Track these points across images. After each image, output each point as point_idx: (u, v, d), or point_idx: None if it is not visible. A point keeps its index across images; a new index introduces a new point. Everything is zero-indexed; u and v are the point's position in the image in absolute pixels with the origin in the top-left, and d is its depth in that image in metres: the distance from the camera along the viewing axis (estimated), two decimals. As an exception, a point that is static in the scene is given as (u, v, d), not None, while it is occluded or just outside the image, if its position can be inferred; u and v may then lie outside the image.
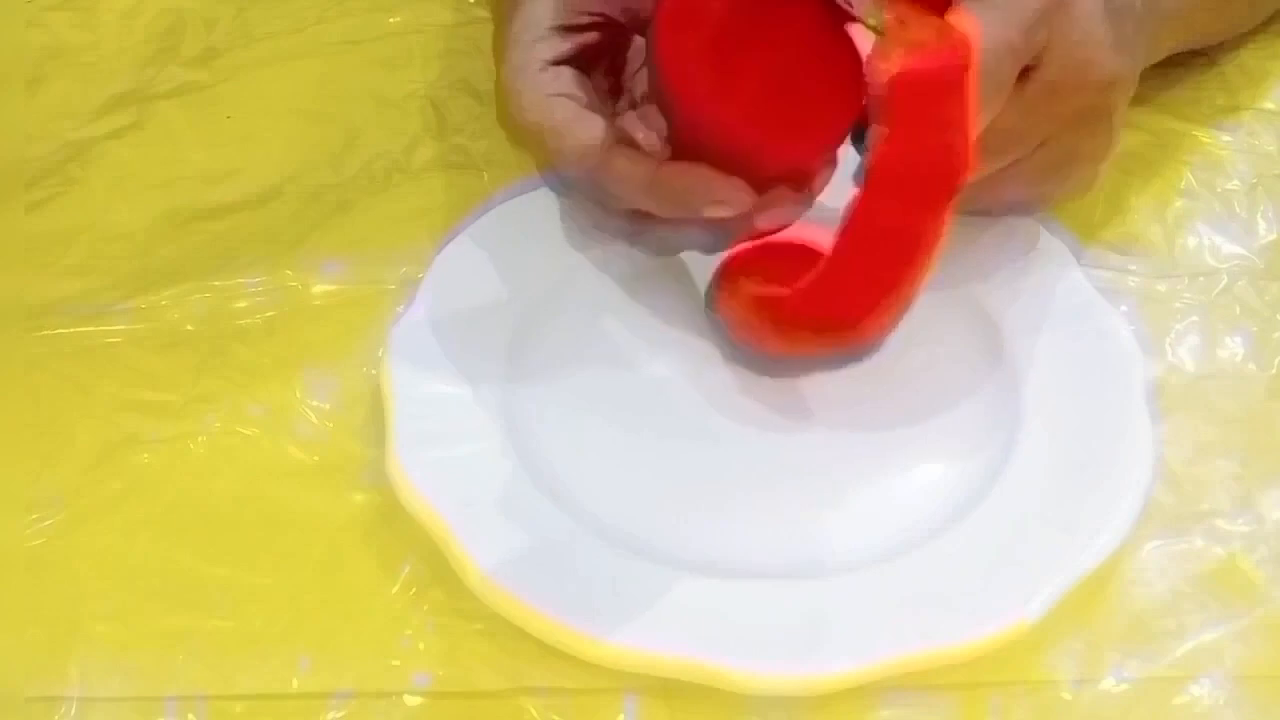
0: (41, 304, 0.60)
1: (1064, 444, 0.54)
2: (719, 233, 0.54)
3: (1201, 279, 0.61)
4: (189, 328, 0.59)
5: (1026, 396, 0.56)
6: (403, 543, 0.52)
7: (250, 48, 0.72)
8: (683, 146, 0.54)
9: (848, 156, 0.53)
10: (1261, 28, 0.70)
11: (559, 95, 0.55)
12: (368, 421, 0.56)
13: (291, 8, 0.73)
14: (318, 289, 0.61)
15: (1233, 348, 0.59)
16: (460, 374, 0.56)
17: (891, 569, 0.51)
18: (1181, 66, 0.68)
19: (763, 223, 0.53)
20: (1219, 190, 0.64)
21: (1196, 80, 0.68)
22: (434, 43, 0.71)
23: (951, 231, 0.52)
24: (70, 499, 0.54)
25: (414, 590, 0.52)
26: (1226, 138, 0.66)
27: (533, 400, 0.56)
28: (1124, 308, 0.59)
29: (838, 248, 0.53)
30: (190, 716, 0.49)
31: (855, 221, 0.52)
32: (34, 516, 0.54)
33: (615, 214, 0.56)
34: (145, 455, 0.55)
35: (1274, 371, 0.58)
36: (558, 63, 0.56)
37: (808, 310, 0.54)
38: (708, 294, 0.57)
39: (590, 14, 0.57)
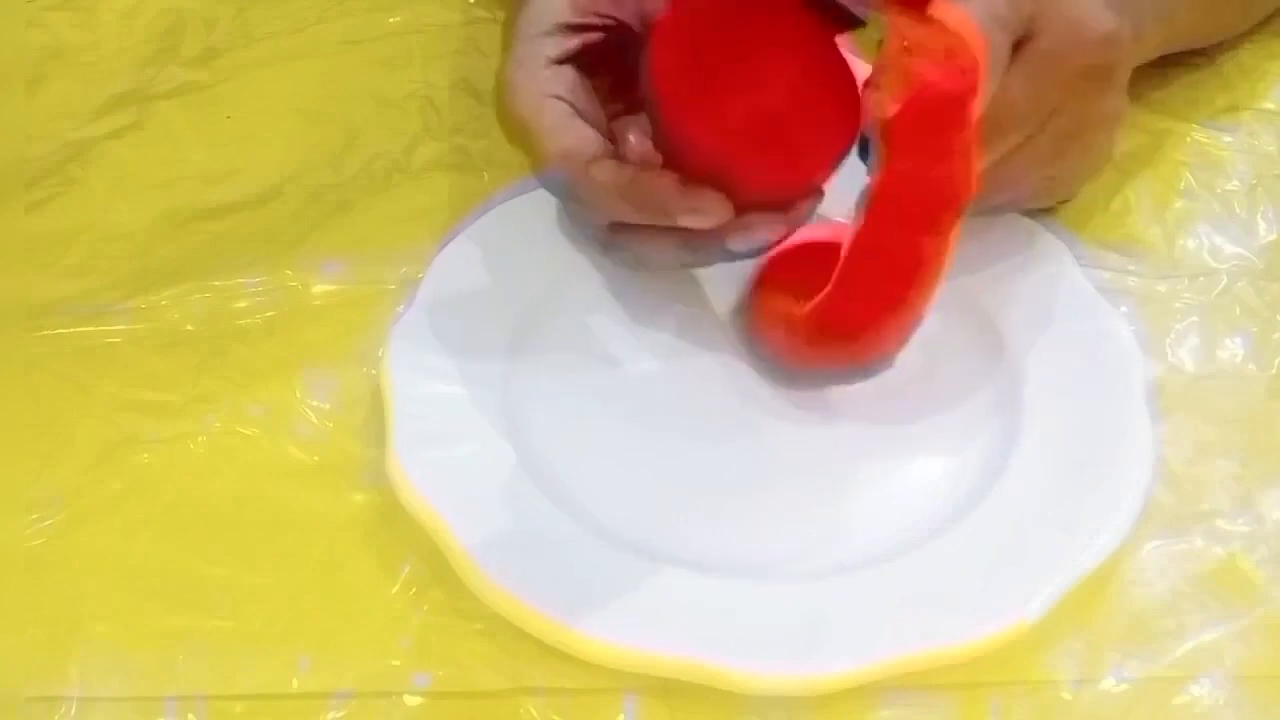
0: (41, 304, 0.60)
1: (1064, 444, 0.54)
2: (693, 248, 0.54)
3: (1201, 279, 0.61)
4: (189, 328, 0.59)
5: (1026, 396, 0.56)
6: (403, 543, 0.52)
7: (250, 48, 0.72)
8: (669, 159, 0.54)
9: (849, 164, 0.54)
10: (1260, 28, 0.70)
11: (554, 96, 0.55)
12: (368, 421, 0.56)
13: (291, 8, 0.73)
14: (318, 289, 0.61)
15: (1233, 348, 0.59)
16: (460, 374, 0.56)
17: (891, 569, 0.51)
18: (1181, 66, 0.68)
19: (734, 244, 0.53)
20: (1219, 190, 0.64)
21: (1196, 80, 0.68)
22: (434, 43, 0.71)
23: (957, 247, 0.52)
24: (70, 499, 0.54)
25: (414, 590, 0.52)
26: (1226, 138, 0.66)
27: (533, 400, 0.56)
28: (1124, 308, 0.59)
29: (843, 269, 0.53)
30: (190, 716, 0.49)
31: (860, 243, 0.52)
32: (34, 516, 0.54)
33: (592, 224, 0.56)
34: (145, 455, 0.55)
35: (1274, 371, 0.58)
36: (561, 61, 0.56)
37: (818, 327, 0.54)
38: (742, 300, 0.58)
39: (600, 14, 0.56)
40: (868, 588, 0.51)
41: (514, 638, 0.50)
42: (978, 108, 0.50)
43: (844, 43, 0.53)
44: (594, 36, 0.57)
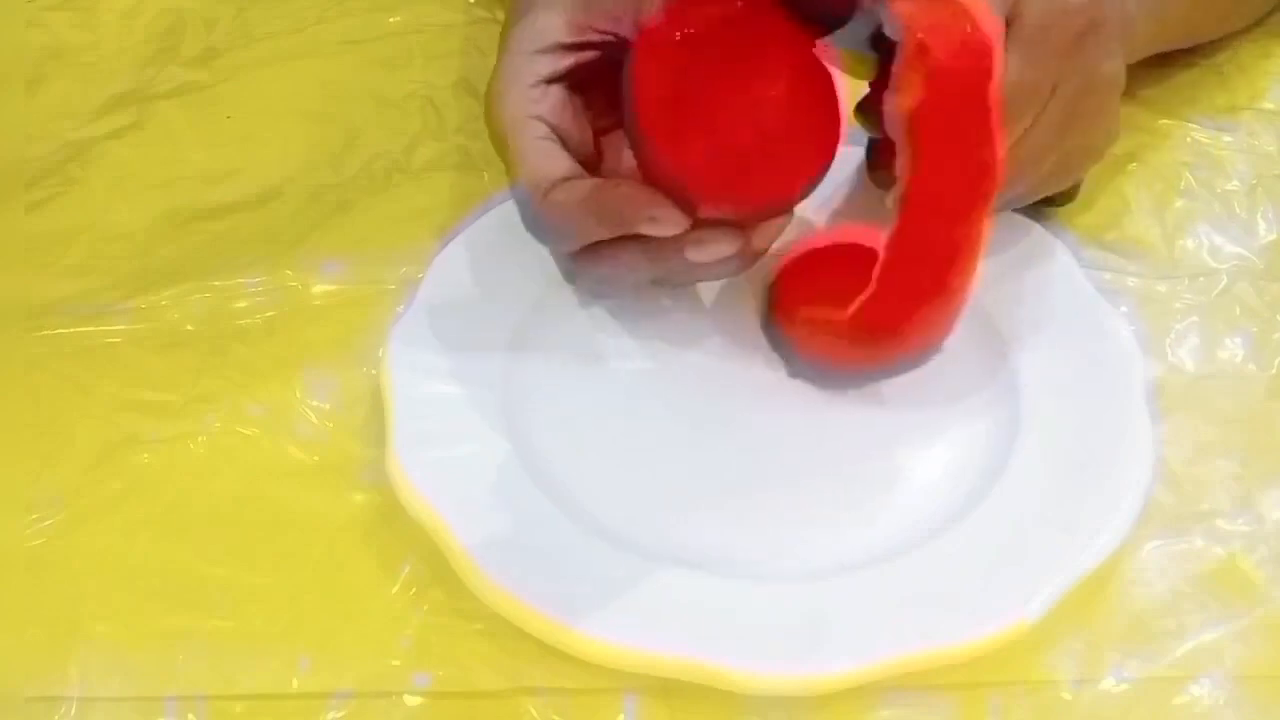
0: (41, 304, 0.60)
1: (1064, 444, 0.54)
2: (657, 262, 0.54)
3: (1201, 279, 0.61)
4: (189, 328, 0.59)
5: (1026, 396, 0.56)
6: (403, 543, 0.52)
7: (250, 48, 0.72)
8: (645, 173, 0.54)
9: (843, 162, 0.54)
10: (1259, 28, 0.70)
11: (534, 118, 0.55)
12: (368, 421, 0.56)
13: (291, 8, 0.73)
14: (318, 289, 0.61)
15: (1233, 348, 0.59)
16: (460, 374, 0.56)
17: (891, 569, 0.51)
18: (1181, 66, 0.68)
19: (692, 255, 0.53)
20: (1219, 190, 0.64)
21: (1195, 80, 0.68)
22: (434, 43, 0.71)
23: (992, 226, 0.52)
24: (70, 499, 0.54)
25: (414, 590, 0.52)
26: (1226, 138, 0.66)
27: (533, 400, 0.56)
28: (1124, 308, 0.59)
29: (884, 268, 0.52)
30: (190, 716, 0.49)
31: (898, 241, 0.52)
32: (34, 516, 0.54)
33: (554, 253, 0.57)
34: (145, 455, 0.55)
35: (1274, 371, 0.58)
36: (552, 80, 0.56)
37: (864, 329, 0.54)
38: (762, 313, 0.58)
39: (600, 31, 0.56)
40: (868, 588, 0.51)
41: (514, 638, 0.50)
42: (998, 89, 0.50)
43: (825, 56, 0.53)
44: (589, 55, 0.56)
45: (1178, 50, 0.68)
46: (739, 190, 0.53)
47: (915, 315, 0.53)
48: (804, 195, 0.54)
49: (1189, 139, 0.66)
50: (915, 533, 0.52)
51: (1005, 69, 0.51)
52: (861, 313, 0.53)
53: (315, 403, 0.57)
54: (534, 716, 0.49)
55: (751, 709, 0.49)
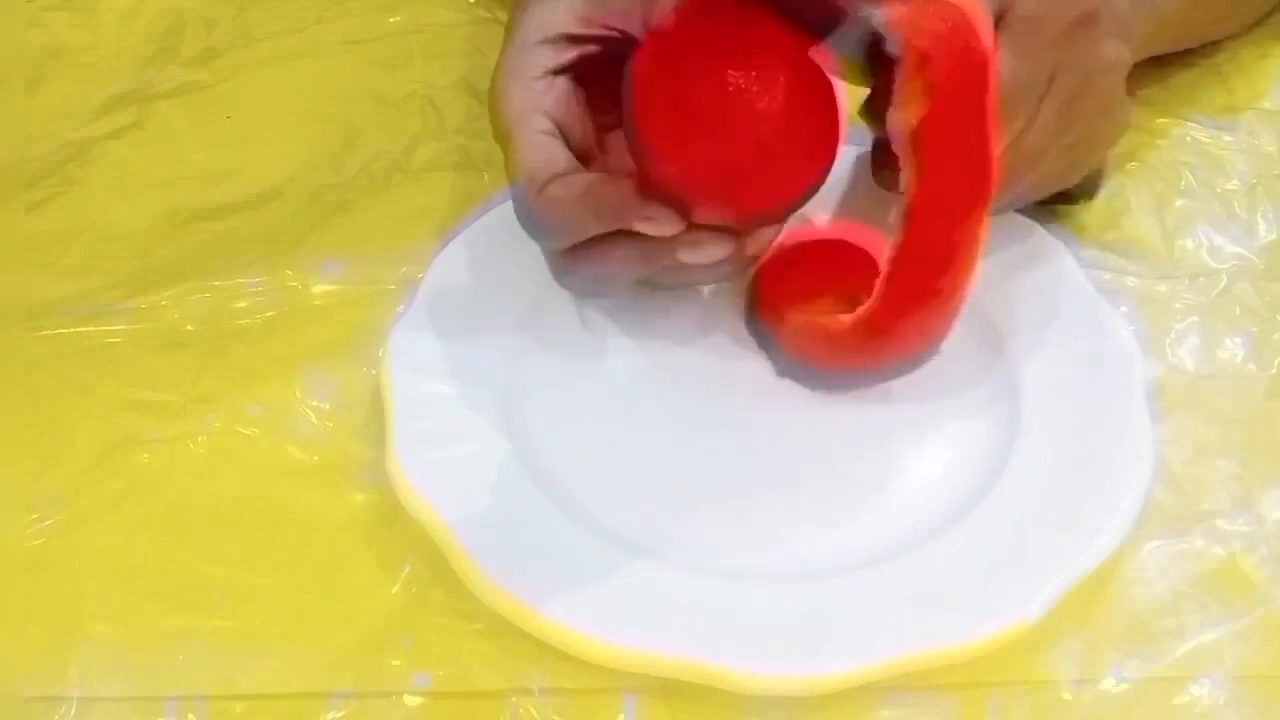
0: (41, 304, 0.60)
1: (1064, 444, 0.54)
2: (649, 261, 0.54)
3: (1201, 279, 0.61)
4: (189, 328, 0.59)
5: (1026, 396, 0.56)
6: (403, 543, 0.52)
7: (250, 48, 0.72)
8: (643, 178, 0.54)
9: (843, 163, 0.54)
10: (1259, 28, 0.70)
11: (539, 112, 0.55)
12: (368, 421, 0.56)
13: (291, 8, 0.73)
14: (318, 289, 0.61)
15: (1233, 348, 0.59)
16: (460, 374, 0.56)
17: (891, 569, 0.51)
18: (1181, 66, 0.68)
19: (684, 256, 0.54)
20: (1219, 190, 0.64)
21: (1195, 79, 0.68)
22: (434, 43, 0.72)
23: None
24: (70, 499, 0.54)
25: (414, 590, 0.52)
26: (1226, 138, 0.66)
27: (532, 400, 0.56)
28: (1124, 308, 0.59)
29: (888, 278, 0.52)
30: (190, 716, 0.49)
31: (903, 252, 0.52)
32: (34, 516, 0.54)
33: (546, 251, 0.56)
34: (145, 455, 0.55)
35: (1274, 371, 0.58)
36: (557, 72, 0.56)
37: (865, 335, 0.54)
38: (747, 314, 0.58)
39: (605, 26, 0.56)
40: (868, 588, 0.51)
41: (514, 638, 0.50)
42: (996, 95, 0.50)
43: (825, 63, 0.53)
44: (593, 48, 0.56)
45: (1177, 50, 0.68)
46: (735, 196, 0.53)
47: (915, 320, 0.53)
48: (800, 204, 0.54)
49: (1189, 139, 0.66)
50: (915, 533, 0.52)
51: (1000, 65, 0.51)
52: (863, 321, 0.53)
53: (315, 403, 0.57)
54: (534, 716, 0.49)
55: (751, 709, 0.49)
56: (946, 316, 0.53)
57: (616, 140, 0.57)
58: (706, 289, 0.60)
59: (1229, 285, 0.61)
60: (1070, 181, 0.60)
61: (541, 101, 0.55)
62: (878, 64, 0.51)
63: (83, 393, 0.57)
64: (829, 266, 0.56)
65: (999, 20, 0.52)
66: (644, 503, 0.53)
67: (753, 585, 0.51)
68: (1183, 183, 0.65)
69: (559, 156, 0.55)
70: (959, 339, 0.55)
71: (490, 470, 0.53)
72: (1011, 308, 0.58)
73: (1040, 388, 0.56)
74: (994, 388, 0.56)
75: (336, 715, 0.49)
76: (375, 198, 0.65)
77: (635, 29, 0.55)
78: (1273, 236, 0.63)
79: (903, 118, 0.50)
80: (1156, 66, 0.66)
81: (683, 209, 0.52)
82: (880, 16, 0.50)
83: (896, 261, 0.52)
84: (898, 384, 0.56)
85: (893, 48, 0.50)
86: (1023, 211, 0.60)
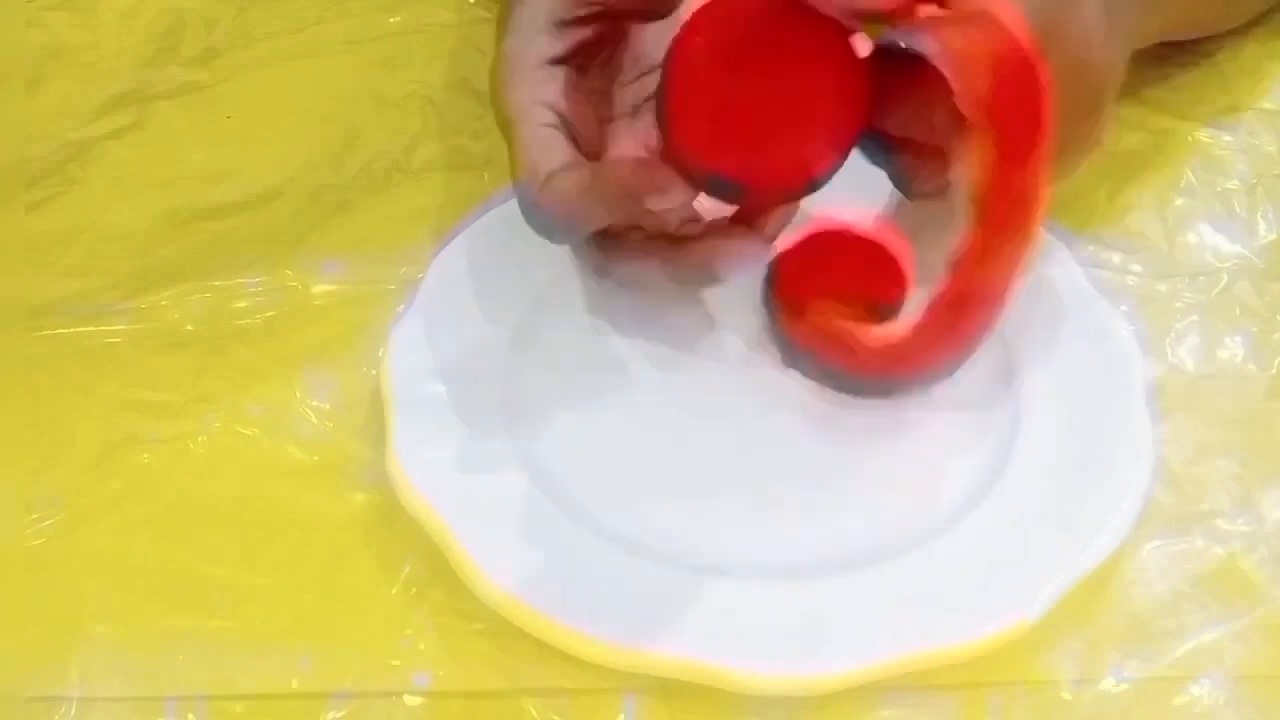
0: (41, 304, 0.60)
1: (1064, 444, 0.54)
2: (675, 263, 0.54)
3: (1201, 279, 0.61)
4: (189, 328, 0.59)
5: (1026, 396, 0.56)
6: (403, 543, 0.52)
7: (250, 48, 0.72)
8: (667, 145, 0.53)
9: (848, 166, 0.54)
10: (1261, 28, 0.70)
11: (542, 103, 0.55)
12: (368, 421, 0.56)
13: (291, 8, 0.73)
14: (318, 289, 0.61)
15: (1233, 348, 0.59)
16: (460, 374, 0.56)
17: (891, 569, 0.51)
18: (1182, 65, 0.68)
19: (650, 203, 0.52)
20: (1219, 190, 0.64)
21: (1196, 80, 0.68)
22: (434, 43, 0.71)
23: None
24: (70, 499, 0.54)
25: (414, 590, 0.52)
26: (1226, 137, 0.66)
27: (533, 400, 0.56)
28: (1124, 308, 0.59)
29: (925, 325, 0.52)
30: (190, 716, 0.49)
31: (946, 301, 0.52)
32: (34, 516, 0.54)
33: (575, 245, 0.56)
34: (145, 455, 0.55)
35: (1274, 371, 0.58)
36: (557, 61, 0.56)
37: (891, 362, 0.54)
38: (766, 305, 0.57)
39: (594, 3, 0.55)
40: (868, 588, 0.51)
41: (514, 638, 0.50)
42: (1052, 138, 0.49)
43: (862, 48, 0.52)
44: (587, 32, 0.56)
45: (1178, 50, 0.68)
46: (754, 162, 0.52)
47: (945, 358, 0.53)
48: (821, 181, 0.53)
49: (1189, 138, 0.66)
50: (915, 533, 0.52)
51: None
52: (892, 348, 0.53)
53: (315, 403, 0.57)
54: (534, 716, 0.49)
55: (751, 709, 0.49)
56: (971, 354, 0.53)
57: (616, 133, 0.57)
58: (708, 290, 0.59)
59: (1229, 285, 0.61)
60: (1077, 163, 0.58)
61: (543, 92, 0.55)
62: (892, 59, 0.51)
63: (83, 393, 0.57)
64: (856, 267, 0.55)
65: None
66: (644, 503, 0.53)
67: (753, 585, 0.51)
68: (1183, 182, 0.65)
69: (560, 149, 0.54)
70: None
71: (490, 470, 0.53)
72: (1011, 308, 0.58)
73: (1040, 387, 0.56)
74: (993, 387, 0.56)
75: (336, 715, 0.49)
76: (375, 198, 0.65)
77: (626, 4, 0.55)
78: (1273, 236, 0.63)
79: (967, 175, 0.49)
80: (1156, 66, 0.66)
81: (700, 177, 0.52)
82: (933, 47, 0.48)
83: (937, 307, 0.52)
84: (898, 384, 0.56)
85: (956, 92, 0.48)
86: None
